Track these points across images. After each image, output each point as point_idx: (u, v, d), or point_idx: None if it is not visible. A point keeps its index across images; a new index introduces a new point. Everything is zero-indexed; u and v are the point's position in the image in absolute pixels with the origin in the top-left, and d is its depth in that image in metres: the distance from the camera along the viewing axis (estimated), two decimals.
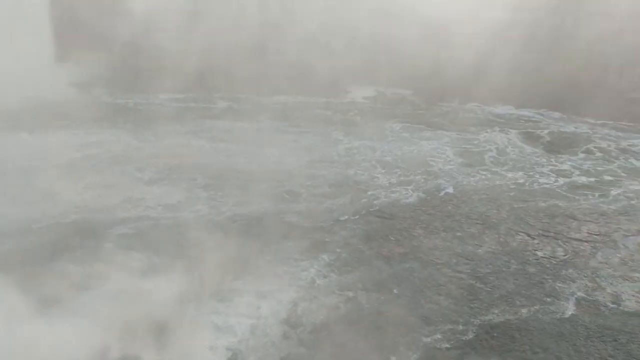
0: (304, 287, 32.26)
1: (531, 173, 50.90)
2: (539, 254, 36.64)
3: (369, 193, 45.01)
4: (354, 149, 55.61)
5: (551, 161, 54.21)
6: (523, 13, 71.98)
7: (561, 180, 49.49)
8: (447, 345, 28.03)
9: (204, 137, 56.96)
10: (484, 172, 50.50)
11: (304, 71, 71.13)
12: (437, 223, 40.29)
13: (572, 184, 48.87)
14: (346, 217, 40.86)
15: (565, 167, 53.06)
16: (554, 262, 35.61)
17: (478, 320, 29.62)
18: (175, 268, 32.40)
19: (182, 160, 49.82)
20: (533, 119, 67.51)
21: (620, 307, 31.41)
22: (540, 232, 39.51)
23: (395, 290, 31.99)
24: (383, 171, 49.64)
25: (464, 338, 28.46)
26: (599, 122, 66.25)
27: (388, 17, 76.79)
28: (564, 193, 46.62)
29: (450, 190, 46.13)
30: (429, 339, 28.34)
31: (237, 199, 42.84)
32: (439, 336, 28.48)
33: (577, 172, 51.59)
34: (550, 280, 33.57)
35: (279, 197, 43.63)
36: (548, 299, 31.75)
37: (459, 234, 38.83)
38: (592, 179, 50.12)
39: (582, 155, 56.38)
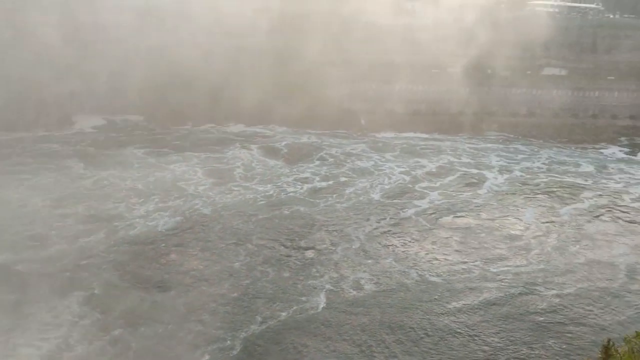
0: (63, 335, 30.22)
1: (279, 184, 55.13)
2: (290, 258, 40.14)
3: (126, 224, 43.92)
4: (102, 180, 53.39)
5: (294, 171, 59.45)
6: (248, 38, 76.21)
7: (305, 187, 54.68)
8: None
9: None
10: (236, 188, 53.05)
11: (12, 103, 64.25)
12: (194, 244, 41.24)
13: (313, 189, 54.34)
14: (100, 252, 39.23)
15: (306, 175, 58.67)
16: (304, 263, 39.42)
17: (244, 333, 31.33)
18: None
19: None
20: (266, 135, 72.81)
21: (362, 291, 36.26)
22: (288, 237, 43.22)
23: (160, 321, 31.91)
24: (139, 200, 48.78)
25: (231, 354, 29.85)
26: (322, 132, 74.77)
27: (111, 42, 73.63)
28: (308, 199, 51.63)
29: (205, 210, 47.50)
30: None
31: None
32: (207, 357, 29.39)
33: (318, 178, 57.49)
34: (302, 280, 37.10)
35: (21, 245, 39.74)
36: (303, 298, 35.08)
37: (215, 251, 40.29)
38: (330, 182, 56.47)
39: (318, 163, 63.00)
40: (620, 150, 78.89)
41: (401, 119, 78.75)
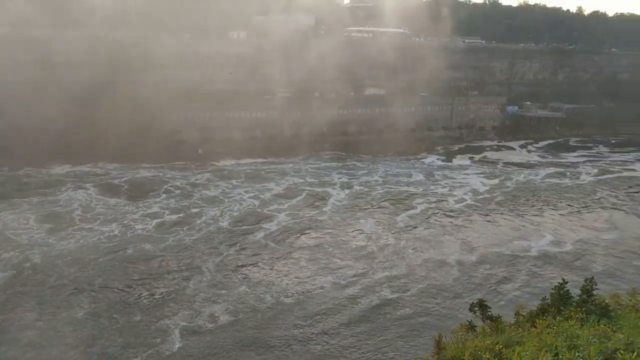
0: None
1: (125, 222, 51.72)
2: (140, 299, 37.82)
3: None
4: None
5: (140, 207, 56.19)
6: (62, 68, 70.52)
7: (154, 223, 51.92)
8: None
9: None
10: (77, 232, 48.66)
11: None
12: (28, 300, 36.98)
13: (162, 224, 51.87)
14: None
15: (154, 209, 55.88)
16: (155, 303, 37.38)
17: None
18: None
19: None
20: (98, 173, 67.93)
21: (219, 322, 35.32)
22: (137, 278, 40.79)
23: None
24: None
25: None
26: (159, 165, 71.65)
27: None
28: (156, 235, 49.14)
29: (40, 259, 42.79)
30: None
31: None
32: None
33: (167, 212, 55.07)
34: (155, 322, 35.07)
35: None
36: (157, 340, 33.18)
37: (54, 304, 36.49)
38: (181, 215, 54.39)
39: (164, 196, 60.42)
40: (438, 159, 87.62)
41: (239, 145, 79.17)
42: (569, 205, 63.20)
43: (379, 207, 60.11)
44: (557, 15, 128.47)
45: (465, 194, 66.16)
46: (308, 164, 78.58)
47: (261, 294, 39.15)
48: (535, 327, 12.37)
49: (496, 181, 72.95)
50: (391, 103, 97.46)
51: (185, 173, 70.08)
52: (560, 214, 59.66)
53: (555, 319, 12.62)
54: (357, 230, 52.76)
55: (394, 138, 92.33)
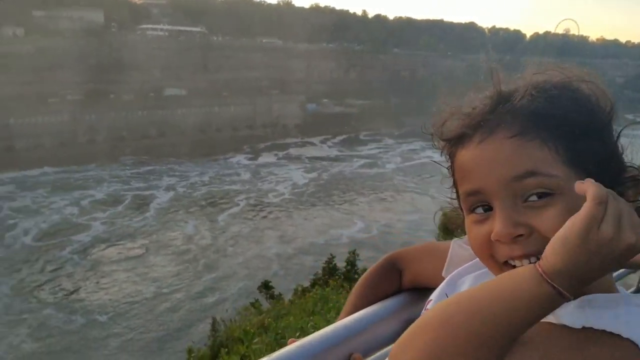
0: None
1: None
2: None
3: None
4: None
5: None
6: None
7: None
8: None
9: None
10: None
11: None
12: None
13: None
14: None
15: None
16: None
17: None
18: None
19: None
20: None
21: (21, 351, 30.06)
22: None
23: None
24: None
25: None
26: None
27: None
28: None
29: None
30: None
31: None
32: None
33: None
34: None
35: None
36: None
37: None
38: None
39: None
40: (246, 157, 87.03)
41: (24, 155, 69.99)
42: (374, 192, 67.40)
43: (201, 208, 57.91)
44: (344, 18, 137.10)
45: (285, 188, 66.73)
46: (128, 169, 73.29)
47: (70, 315, 34.54)
48: (305, 298, 13.56)
49: (315, 174, 74.84)
50: (193, 103, 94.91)
51: None
52: (368, 201, 63.35)
53: (324, 290, 13.76)
54: (179, 233, 49.88)
55: (200, 139, 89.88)
